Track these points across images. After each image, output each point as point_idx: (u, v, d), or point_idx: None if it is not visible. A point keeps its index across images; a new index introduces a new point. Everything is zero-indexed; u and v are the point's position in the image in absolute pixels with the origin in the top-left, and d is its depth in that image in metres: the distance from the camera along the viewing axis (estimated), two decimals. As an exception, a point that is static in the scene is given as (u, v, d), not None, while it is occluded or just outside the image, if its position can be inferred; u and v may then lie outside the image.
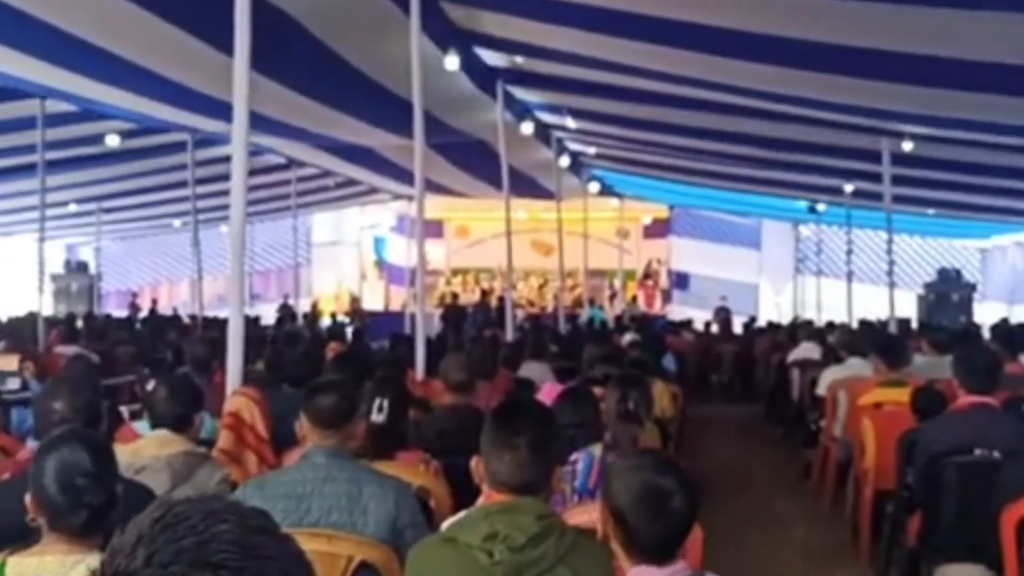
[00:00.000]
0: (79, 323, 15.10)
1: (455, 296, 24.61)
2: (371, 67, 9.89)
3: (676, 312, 24.56)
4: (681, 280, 27.13)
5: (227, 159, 6.21)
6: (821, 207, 19.22)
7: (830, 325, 15.32)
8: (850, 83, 8.18)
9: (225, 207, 5.89)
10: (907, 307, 17.96)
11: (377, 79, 10.23)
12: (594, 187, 19.58)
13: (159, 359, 9.65)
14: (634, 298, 25.31)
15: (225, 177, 6.20)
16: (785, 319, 21.04)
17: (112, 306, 25.35)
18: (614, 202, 22.60)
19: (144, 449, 3.62)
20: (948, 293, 19.74)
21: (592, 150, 16.69)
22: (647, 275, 26.92)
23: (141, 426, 4.36)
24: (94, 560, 2.28)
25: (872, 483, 5.96)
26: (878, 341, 8.05)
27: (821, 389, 8.25)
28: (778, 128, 11.03)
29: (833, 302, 19.75)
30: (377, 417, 3.89)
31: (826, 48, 7.18)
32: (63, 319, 16.00)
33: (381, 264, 28.36)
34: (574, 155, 16.91)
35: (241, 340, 5.12)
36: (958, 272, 20.69)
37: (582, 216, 17.76)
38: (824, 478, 7.85)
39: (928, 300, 19.81)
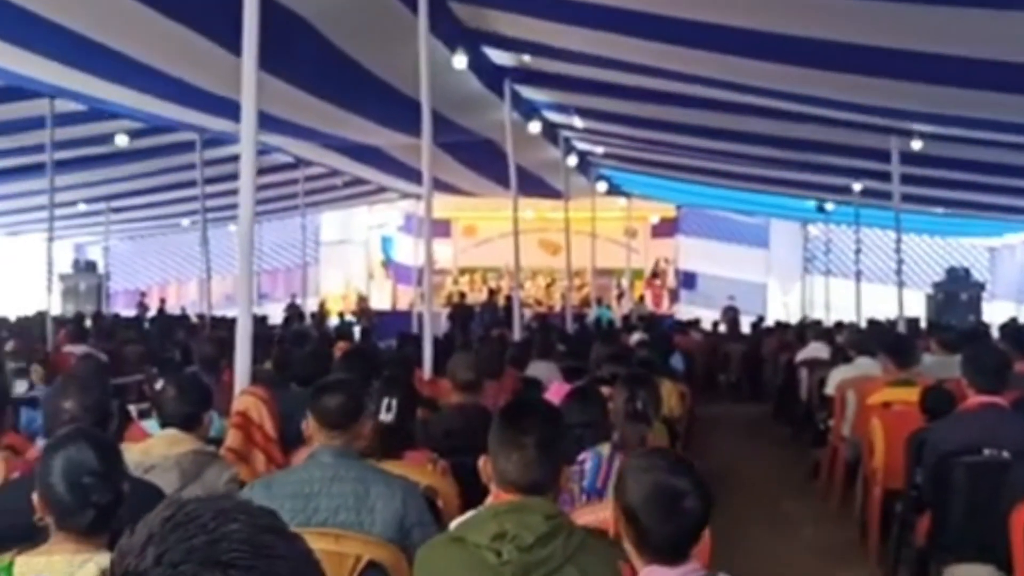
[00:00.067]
0: (88, 322, 15.13)
1: (462, 295, 24.62)
2: (379, 66, 9.90)
3: (684, 311, 24.53)
4: (689, 279, 27.09)
5: (235, 158, 6.22)
6: (830, 206, 19.19)
7: (839, 325, 15.32)
8: (859, 81, 8.17)
9: (233, 206, 5.90)
10: (916, 306, 17.92)
11: (385, 78, 10.24)
12: (602, 186, 19.56)
13: (167, 358, 9.68)
14: (642, 297, 25.31)
15: (233, 176, 6.21)
16: (793, 319, 21.03)
17: (120, 305, 25.40)
18: (622, 201, 22.58)
19: (153, 448, 3.63)
20: (957, 292, 19.69)
21: (600, 149, 16.68)
22: (655, 274, 26.89)
23: (150, 425, 4.37)
24: (102, 559, 2.29)
25: (881, 483, 5.95)
26: (887, 340, 8.02)
27: (830, 389, 8.24)
28: (786, 127, 11.01)
29: (842, 301, 19.73)
30: (385, 416, 3.89)
31: (835, 47, 7.16)
32: (72, 318, 16.03)
33: (388, 263, 28.37)
34: (582, 154, 16.90)
35: (249, 339, 5.13)
36: (967, 271, 20.63)
37: (590, 215, 17.75)
38: (833, 478, 7.84)
39: (937, 299, 19.76)
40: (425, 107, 7.67)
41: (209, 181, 14.65)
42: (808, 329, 14.21)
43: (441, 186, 17.90)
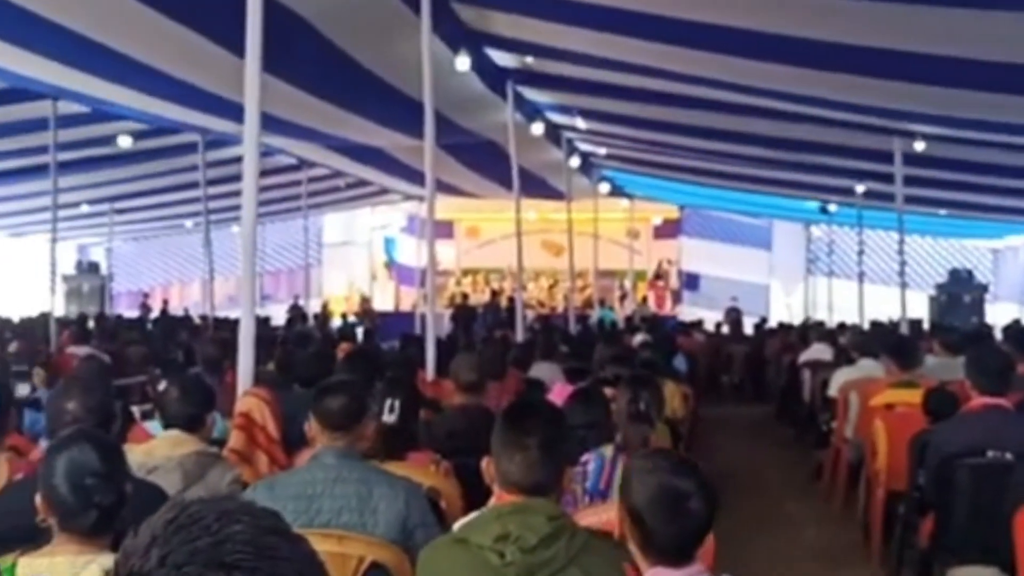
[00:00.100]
0: (91, 324, 15.15)
1: (465, 296, 24.61)
2: (382, 68, 9.91)
3: (687, 313, 24.52)
4: (692, 281, 27.08)
5: (238, 160, 6.22)
6: (832, 208, 19.18)
7: (841, 326, 15.29)
8: (862, 83, 8.16)
9: (236, 207, 5.91)
10: (919, 308, 17.91)
11: (388, 80, 10.25)
12: (604, 188, 19.57)
13: (170, 359, 9.68)
14: (644, 299, 25.29)
15: (236, 178, 6.22)
16: (796, 320, 21.01)
17: (123, 307, 25.45)
18: (624, 203, 22.57)
19: (156, 449, 3.63)
20: (960, 294, 19.68)
21: (602, 151, 16.68)
22: (658, 276, 26.87)
23: (153, 426, 4.37)
24: (105, 560, 2.29)
25: (884, 484, 5.94)
26: (890, 342, 8.01)
27: (833, 390, 8.23)
28: (789, 128, 11.00)
29: (844, 303, 19.73)
30: (388, 417, 3.89)
31: (838, 48, 7.16)
32: (75, 320, 16.07)
33: (391, 264, 28.38)
34: (584, 156, 16.90)
35: (252, 340, 5.13)
36: (970, 273, 20.62)
37: (592, 216, 17.75)
38: (836, 479, 7.83)
39: (940, 301, 19.75)
40: (428, 108, 7.68)
41: (212, 182, 14.66)
42: (811, 330, 14.19)
43: (444, 187, 17.90)
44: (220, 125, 12.46)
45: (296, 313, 21.51)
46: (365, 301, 26.26)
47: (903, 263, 12.06)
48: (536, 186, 17.17)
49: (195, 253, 23.23)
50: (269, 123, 7.93)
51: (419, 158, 9.14)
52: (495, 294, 24.56)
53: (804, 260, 25.58)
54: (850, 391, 7.56)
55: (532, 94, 12.36)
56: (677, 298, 26.96)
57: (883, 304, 16.59)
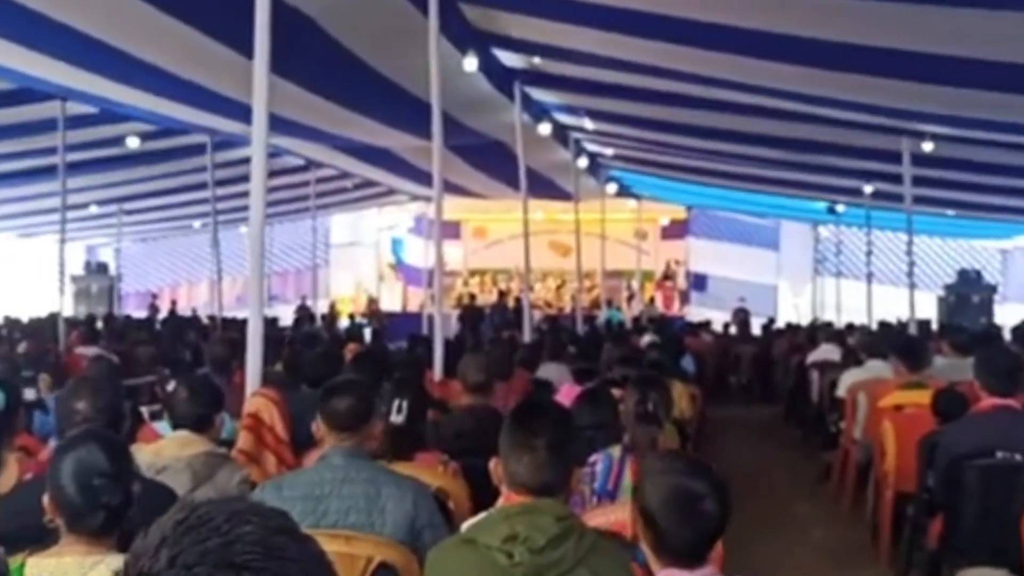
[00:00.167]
0: (99, 324, 15.20)
1: (472, 297, 24.64)
2: (389, 69, 9.92)
3: (694, 313, 24.50)
4: (699, 281, 27.05)
5: (246, 161, 6.24)
6: (841, 208, 19.15)
7: (850, 327, 15.27)
8: (870, 83, 8.15)
9: (244, 208, 5.91)
10: (927, 309, 17.87)
11: (395, 80, 10.26)
12: (612, 188, 19.57)
13: (179, 360, 9.70)
14: (652, 299, 25.27)
15: (244, 178, 6.23)
16: (804, 320, 20.97)
17: (132, 307, 25.51)
18: (632, 203, 22.57)
19: (165, 450, 3.63)
20: (968, 294, 19.63)
21: (610, 151, 16.67)
22: (666, 276, 26.85)
23: (162, 426, 4.38)
24: (112, 560, 2.29)
25: (892, 485, 5.93)
26: (898, 343, 8.00)
27: (841, 391, 8.21)
28: (797, 129, 10.98)
29: (852, 303, 19.68)
30: (396, 418, 3.89)
31: (846, 48, 7.15)
32: (83, 320, 16.11)
33: (398, 265, 28.41)
34: (592, 156, 16.90)
35: (260, 341, 5.14)
36: (978, 273, 20.56)
37: (600, 217, 17.74)
38: (844, 480, 7.82)
39: (948, 301, 19.70)
40: (435, 109, 7.68)
41: (220, 183, 14.71)
42: (819, 331, 14.17)
43: (451, 188, 17.93)
44: (228, 126, 12.49)
45: (303, 313, 21.55)
46: (372, 302, 26.29)
47: (912, 263, 12.03)
48: (543, 187, 17.17)
49: (203, 254, 23.28)
50: (277, 124, 7.97)
51: (426, 159, 9.15)
52: (502, 295, 24.57)
53: (812, 261, 25.53)
54: (858, 392, 7.55)
55: (539, 95, 12.36)
56: (685, 298, 26.93)
57: (891, 305, 16.57)
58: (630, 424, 4.06)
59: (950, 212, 17.13)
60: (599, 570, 2.29)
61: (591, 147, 16.48)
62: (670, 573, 2.30)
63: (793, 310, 24.48)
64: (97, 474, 2.37)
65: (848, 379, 8.11)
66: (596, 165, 17.68)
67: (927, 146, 10.60)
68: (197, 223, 22.12)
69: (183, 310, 23.79)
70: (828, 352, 11.07)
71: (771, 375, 15.17)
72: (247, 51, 5.23)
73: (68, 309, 16.54)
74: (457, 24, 8.83)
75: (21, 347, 10.76)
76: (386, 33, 8.88)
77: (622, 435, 3.97)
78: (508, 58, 10.61)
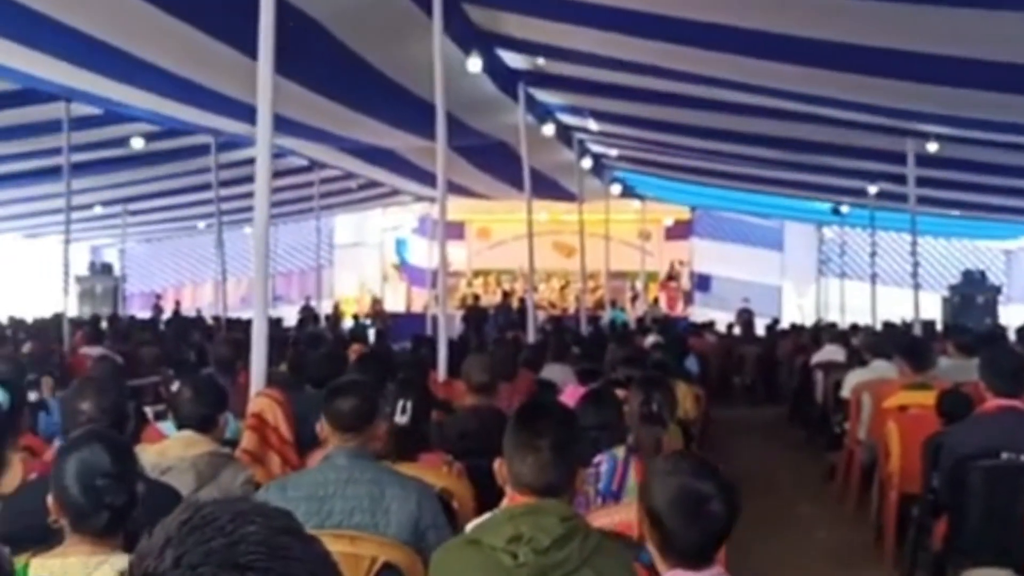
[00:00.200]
0: (104, 324, 15.21)
1: (476, 298, 24.62)
2: (393, 69, 9.92)
3: (698, 314, 24.47)
4: (703, 282, 27.03)
5: (250, 161, 6.25)
6: (845, 209, 19.12)
7: (854, 327, 15.25)
8: (875, 83, 8.14)
9: (249, 209, 5.92)
10: (931, 309, 17.83)
11: (399, 81, 10.26)
12: (616, 189, 19.55)
13: (183, 360, 9.71)
14: (656, 300, 25.26)
15: (248, 179, 6.25)
16: (808, 321, 20.95)
17: (136, 307, 25.53)
18: (636, 204, 22.56)
19: (170, 450, 3.64)
20: (973, 295, 19.59)
21: (614, 152, 16.67)
22: (670, 277, 26.84)
23: (166, 427, 4.38)
24: (117, 560, 2.29)
25: (897, 486, 5.92)
26: (903, 343, 7.98)
27: (845, 392, 8.20)
28: (801, 129, 10.98)
29: (857, 304, 19.66)
30: (400, 418, 3.89)
31: (850, 48, 7.14)
32: (88, 320, 16.13)
33: (402, 265, 28.41)
34: (596, 157, 16.89)
35: (265, 341, 5.14)
36: (983, 274, 20.52)
37: (604, 218, 17.73)
38: (848, 481, 7.81)
39: (953, 302, 19.66)
40: (440, 110, 7.68)
41: (224, 184, 14.72)
42: (823, 332, 14.16)
43: (455, 189, 17.92)
44: (232, 127, 12.50)
45: (308, 314, 21.55)
46: (376, 302, 26.30)
47: (916, 264, 12.01)
48: (548, 187, 17.16)
49: (207, 254, 23.33)
50: (281, 125, 7.96)
51: (431, 159, 9.16)
52: (506, 295, 24.57)
53: (816, 261, 25.50)
54: (863, 392, 7.54)
55: (544, 95, 12.36)
56: (688, 299, 26.91)
57: (896, 305, 16.53)
58: (634, 425, 4.06)
59: (954, 213, 17.11)
60: (603, 571, 2.29)
61: (595, 148, 16.47)
62: (676, 574, 2.30)
63: (797, 311, 24.45)
64: (101, 474, 2.37)
65: (852, 380, 8.10)
66: (600, 166, 17.68)
67: (931, 147, 10.59)
68: (201, 224, 22.15)
69: (187, 311, 23.81)
70: (832, 353, 11.06)
71: (775, 376, 15.16)
72: (251, 52, 5.24)
73: (73, 309, 16.55)
74: (461, 25, 8.84)
75: (26, 347, 10.78)
76: (390, 34, 8.88)
77: (626, 436, 3.97)
78: (512, 59, 10.61)
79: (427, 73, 7.74)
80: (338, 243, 27.29)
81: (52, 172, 13.22)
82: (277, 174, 12.07)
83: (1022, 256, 22.88)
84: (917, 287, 11.79)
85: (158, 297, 25.73)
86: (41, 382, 6.85)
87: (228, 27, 7.97)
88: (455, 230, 24.23)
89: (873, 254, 17.66)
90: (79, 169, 13.10)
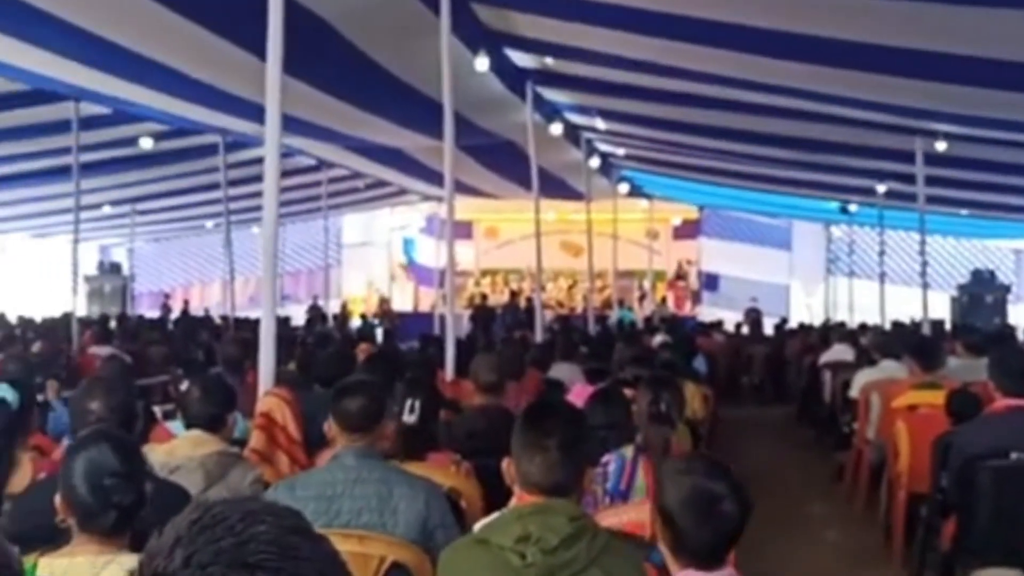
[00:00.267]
0: (112, 324, 15.26)
1: (484, 297, 24.64)
2: (401, 69, 9.93)
3: (706, 313, 24.45)
4: (711, 281, 27.01)
5: (259, 161, 6.26)
6: (853, 208, 19.08)
7: (863, 327, 15.22)
8: (883, 81, 8.12)
9: (257, 208, 5.93)
10: (940, 309, 17.79)
11: (407, 80, 10.26)
12: (624, 188, 19.54)
13: (192, 359, 9.73)
14: (663, 299, 25.23)
15: (257, 178, 6.25)
16: (817, 320, 20.92)
17: (145, 307, 25.60)
18: (644, 203, 22.54)
19: (178, 449, 3.65)
20: (982, 294, 19.55)
21: (622, 151, 16.65)
22: (678, 276, 26.81)
23: (175, 426, 4.39)
24: (124, 559, 2.29)
25: (906, 486, 5.91)
26: (912, 343, 7.97)
27: (854, 391, 8.19)
28: (810, 128, 10.95)
29: (865, 303, 19.61)
30: (408, 418, 3.90)
31: (858, 47, 7.12)
32: (96, 320, 16.18)
33: (409, 265, 28.43)
34: (604, 156, 16.88)
35: (273, 341, 5.15)
36: (992, 273, 20.47)
37: (611, 217, 17.71)
38: (857, 481, 7.79)
39: (962, 302, 19.62)
40: (447, 109, 7.68)
41: (233, 183, 14.75)
42: (832, 331, 14.13)
43: (463, 188, 17.94)
44: (241, 126, 12.53)
45: (315, 313, 21.58)
46: (384, 302, 26.32)
47: (925, 263, 11.98)
48: (555, 187, 17.16)
49: (215, 254, 23.34)
50: (289, 124, 7.98)
51: (438, 159, 9.14)
52: (514, 295, 24.58)
53: (824, 260, 25.45)
54: (872, 392, 7.53)
55: (551, 95, 12.36)
56: (696, 299, 26.89)
57: (904, 305, 16.52)
58: (643, 424, 4.06)
59: (963, 212, 17.06)
60: (612, 570, 2.29)
61: (603, 147, 16.46)
62: (689, 574, 2.30)
63: (805, 310, 24.41)
64: (108, 474, 2.38)
65: (861, 379, 8.09)
66: (608, 165, 17.66)
67: (940, 145, 10.56)
68: (210, 223, 22.18)
69: (196, 310, 23.87)
70: (841, 352, 11.04)
71: (783, 375, 15.14)
72: (260, 51, 5.25)
73: (81, 309, 16.61)
74: (469, 24, 8.84)
75: (35, 347, 10.81)
76: (398, 33, 8.88)
77: (634, 435, 3.96)
78: (520, 58, 10.61)
79: (435, 72, 7.74)
80: (346, 242, 27.32)
81: (61, 172, 13.26)
82: (285, 173, 12.04)
83: (1031, 255, 22.83)
84: (926, 286, 11.76)
85: (166, 296, 25.79)
86: (47, 385, 6.86)
87: (237, 27, 7.98)
88: (463, 229, 24.24)
89: (882, 253, 17.61)
90: (88, 169, 13.13)
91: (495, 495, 3.19)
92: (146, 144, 13.37)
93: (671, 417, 4.11)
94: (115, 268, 24.36)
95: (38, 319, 17.53)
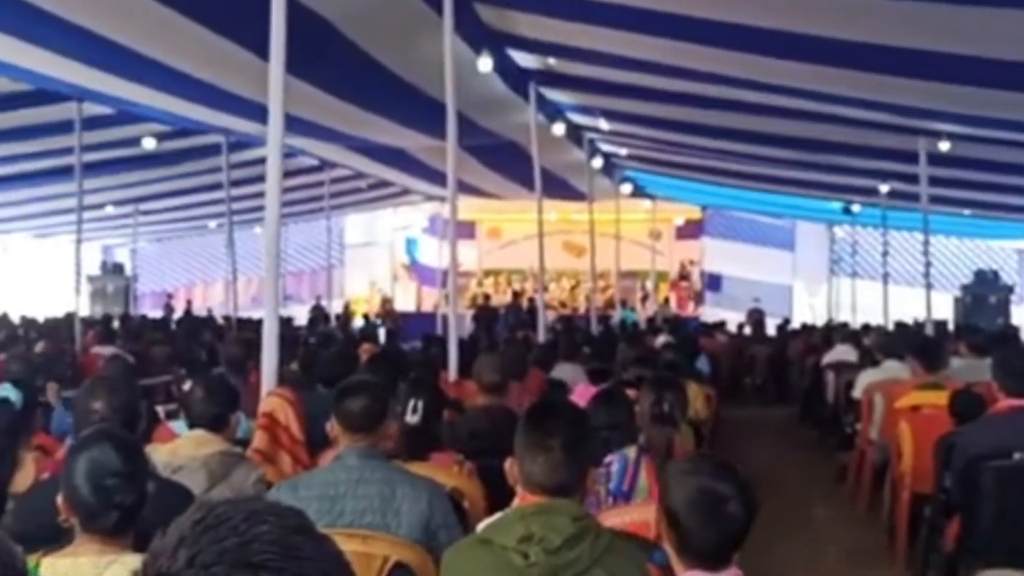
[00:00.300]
0: (115, 324, 15.26)
1: (487, 297, 24.63)
2: (404, 69, 9.93)
3: (709, 314, 24.44)
4: (714, 281, 26.99)
5: (261, 161, 6.26)
6: (856, 208, 19.07)
7: (866, 327, 15.21)
8: (887, 82, 8.11)
9: (260, 208, 5.94)
10: (944, 309, 17.77)
11: (410, 81, 10.27)
12: (626, 188, 19.53)
13: (195, 359, 9.73)
14: (666, 299, 25.23)
15: (259, 179, 6.26)
16: (820, 321, 20.90)
17: (147, 307, 25.62)
18: (646, 203, 22.53)
19: (181, 449, 3.65)
20: (985, 295, 19.53)
21: (624, 151, 16.64)
22: (681, 276, 26.81)
23: (178, 426, 4.40)
24: (127, 559, 2.29)
25: (909, 486, 5.91)
26: (915, 343, 7.96)
27: (857, 392, 8.18)
28: (813, 128, 10.94)
29: (868, 304, 19.60)
30: (411, 418, 3.90)
31: (861, 47, 7.12)
32: (99, 320, 16.20)
33: (412, 265, 28.43)
34: (606, 156, 16.87)
35: (276, 341, 5.15)
36: (995, 273, 20.45)
37: (614, 217, 17.71)
38: (860, 481, 7.79)
39: (965, 302, 19.60)
40: (450, 109, 7.68)
41: (235, 183, 14.76)
42: (835, 332, 14.12)
43: (466, 188, 17.93)
44: (243, 126, 12.53)
45: (318, 313, 21.60)
46: (387, 302, 26.32)
47: (928, 264, 11.97)
48: (558, 187, 17.15)
49: (218, 254, 23.39)
50: (292, 124, 7.98)
51: (441, 159, 9.16)
52: (517, 295, 24.57)
53: (827, 261, 25.43)
54: (875, 393, 7.52)
55: (554, 95, 12.35)
56: (699, 299, 26.88)
57: (907, 305, 16.49)
58: (646, 425, 4.06)
59: (967, 212, 17.04)
60: (615, 570, 2.29)
61: (606, 147, 16.46)
62: (693, 574, 2.29)
63: (808, 311, 24.38)
64: (110, 474, 2.38)
65: (864, 380, 8.08)
66: (610, 165, 17.66)
67: (943, 145, 10.54)
68: (212, 223, 22.20)
69: (198, 310, 23.86)
70: (844, 353, 11.03)
71: (786, 376, 15.13)
72: (263, 51, 5.25)
73: (84, 309, 16.64)
74: (472, 24, 8.84)
75: (38, 347, 10.82)
76: (401, 33, 8.88)
77: (637, 436, 3.96)
78: (523, 58, 10.61)
79: (438, 73, 7.74)
80: (349, 243, 27.32)
81: (64, 172, 13.26)
82: (288, 174, 12.10)
83: (1035, 256, 22.80)
84: (929, 287, 11.75)
85: (169, 297, 25.80)
86: (47, 387, 6.87)
87: (239, 27, 7.98)
88: (465, 230, 24.25)
89: (885, 253, 17.60)
90: (91, 169, 13.14)
91: (498, 495, 3.19)
92: (149, 144, 13.38)
93: (674, 417, 4.11)
94: (118, 268, 24.38)
95: (41, 319, 17.54)
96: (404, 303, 27.05)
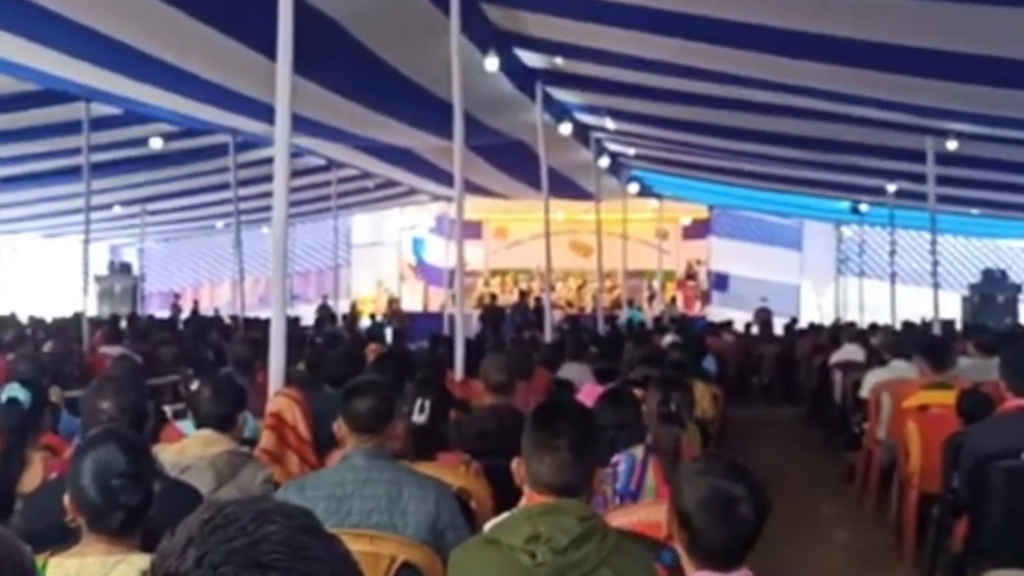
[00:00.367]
0: (123, 324, 15.30)
1: (494, 297, 24.62)
2: (411, 69, 9.93)
3: (716, 313, 24.41)
4: (721, 281, 26.96)
5: (269, 161, 6.26)
6: (864, 207, 19.03)
7: (873, 327, 15.17)
8: (894, 80, 8.10)
9: (267, 208, 5.94)
10: (951, 308, 17.73)
11: (417, 80, 10.27)
12: (633, 188, 19.52)
13: (202, 359, 9.75)
14: (673, 299, 25.20)
15: (267, 178, 6.25)
16: (827, 320, 20.86)
17: (155, 307, 25.66)
18: (653, 203, 22.51)
19: (189, 449, 3.65)
20: (993, 294, 19.48)
21: (631, 151, 16.63)
22: (688, 276, 26.78)
23: (185, 426, 4.40)
24: (134, 559, 2.30)
25: (917, 486, 5.89)
26: (922, 343, 7.95)
27: (865, 391, 8.16)
28: (820, 128, 10.93)
29: (876, 303, 19.56)
30: (418, 418, 3.90)
31: (870, 46, 7.11)
32: (107, 320, 16.22)
33: (419, 265, 28.44)
34: (613, 156, 16.86)
35: (283, 340, 5.16)
36: (1003, 273, 20.40)
37: (621, 217, 17.69)
38: (868, 481, 7.77)
39: (973, 301, 19.55)
40: (457, 109, 7.69)
41: (242, 183, 14.78)
42: (842, 331, 14.10)
43: (472, 188, 17.93)
44: (251, 126, 12.55)
45: (325, 313, 21.61)
46: (393, 302, 26.33)
47: (936, 263, 11.94)
48: (565, 186, 17.15)
49: (225, 254, 23.38)
50: (299, 124, 7.98)
51: (448, 159, 9.16)
52: (523, 295, 24.56)
53: (835, 260, 25.38)
54: (882, 392, 7.50)
55: (561, 94, 12.35)
56: (706, 298, 26.85)
57: (915, 304, 16.46)
58: (653, 424, 4.05)
59: (974, 211, 17.00)
60: (622, 570, 2.29)
61: (612, 147, 16.45)
62: (704, 575, 2.29)
63: (816, 310, 24.36)
64: (116, 474, 2.38)
65: (872, 379, 8.06)
66: (617, 165, 17.64)
67: (951, 145, 10.52)
68: (220, 223, 22.23)
69: (206, 310, 23.92)
70: (851, 352, 11.01)
71: (794, 375, 15.10)
72: (270, 52, 5.26)
73: (92, 309, 16.65)
74: (479, 24, 8.84)
75: (46, 347, 10.85)
76: (408, 33, 8.89)
77: (644, 435, 3.96)
78: (530, 58, 10.61)
79: (444, 72, 7.75)
80: (355, 242, 27.33)
81: (72, 172, 13.30)
82: (295, 173, 12.07)
83: (1043, 255, 22.73)
84: (937, 286, 11.73)
85: (176, 296, 25.85)
86: (50, 391, 6.88)
87: (247, 27, 7.99)
88: (472, 229, 24.23)
89: (892, 253, 17.56)
90: (98, 169, 13.17)
91: (505, 495, 3.19)
92: (156, 144, 13.41)
93: (681, 417, 4.11)
94: (125, 268, 24.41)
95: (49, 319, 17.58)
96: (411, 303, 27.06)
